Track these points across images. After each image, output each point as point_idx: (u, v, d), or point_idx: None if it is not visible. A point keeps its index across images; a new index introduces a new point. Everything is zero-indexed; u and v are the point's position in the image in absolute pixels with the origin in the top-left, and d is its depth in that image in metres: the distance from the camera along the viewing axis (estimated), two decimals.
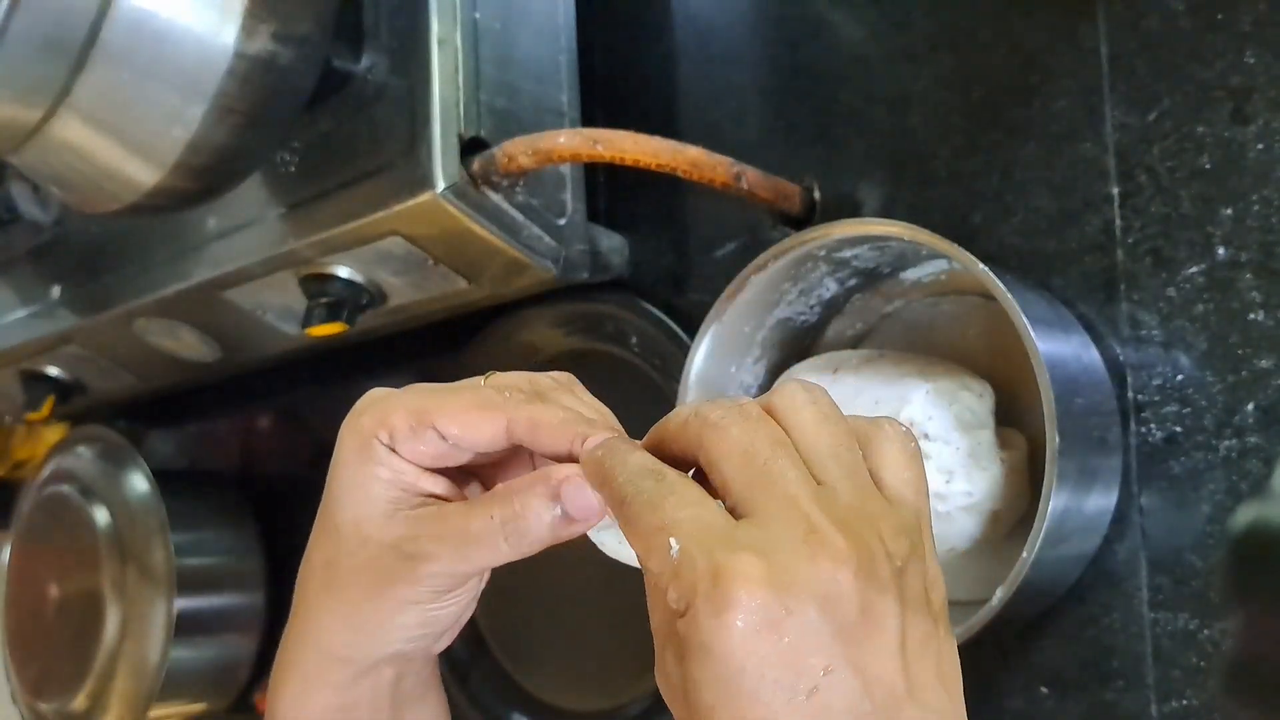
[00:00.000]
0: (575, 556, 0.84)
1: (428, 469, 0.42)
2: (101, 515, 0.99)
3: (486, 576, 0.46)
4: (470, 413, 0.41)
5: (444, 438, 0.41)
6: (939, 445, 0.56)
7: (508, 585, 0.84)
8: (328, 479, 0.43)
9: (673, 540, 0.34)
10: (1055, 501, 0.51)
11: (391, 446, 0.42)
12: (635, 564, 0.41)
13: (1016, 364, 0.57)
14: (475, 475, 0.46)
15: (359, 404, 0.43)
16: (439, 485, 0.43)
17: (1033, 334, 0.51)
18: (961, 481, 0.56)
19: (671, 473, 0.37)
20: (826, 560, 0.33)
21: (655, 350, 0.75)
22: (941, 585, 0.37)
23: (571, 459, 0.41)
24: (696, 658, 0.33)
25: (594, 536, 0.43)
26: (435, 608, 0.42)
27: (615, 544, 0.43)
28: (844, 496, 0.35)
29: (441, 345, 0.87)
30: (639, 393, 0.76)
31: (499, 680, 0.83)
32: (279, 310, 0.81)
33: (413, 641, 0.43)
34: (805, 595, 0.32)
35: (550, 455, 0.42)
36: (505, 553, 0.41)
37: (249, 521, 1.02)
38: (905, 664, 0.34)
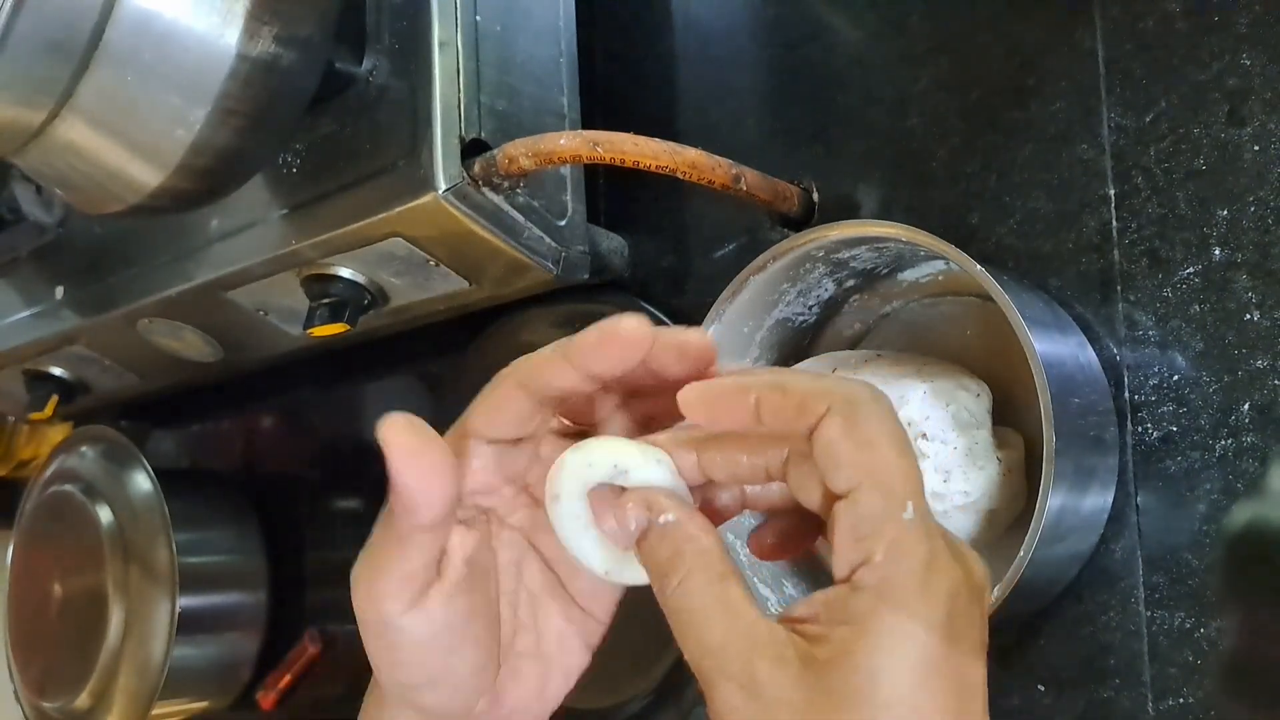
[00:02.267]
0: None
1: None
2: (104, 514, 0.99)
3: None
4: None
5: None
6: (936, 445, 0.56)
7: None
8: None
9: None
10: (1052, 501, 0.51)
11: None
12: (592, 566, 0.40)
13: (1013, 364, 0.57)
14: None
15: None
16: None
17: (1029, 334, 0.51)
18: (958, 481, 0.56)
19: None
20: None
21: None
22: None
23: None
24: None
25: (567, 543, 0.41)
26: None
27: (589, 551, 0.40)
28: None
29: (443, 345, 0.87)
30: None
31: None
32: (281, 311, 0.81)
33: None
34: None
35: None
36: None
37: (251, 521, 1.02)
38: None
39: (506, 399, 0.40)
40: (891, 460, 0.34)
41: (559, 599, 0.43)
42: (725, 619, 0.35)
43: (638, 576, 0.39)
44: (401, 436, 0.37)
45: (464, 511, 0.42)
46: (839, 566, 0.34)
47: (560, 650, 0.43)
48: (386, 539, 0.39)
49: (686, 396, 0.38)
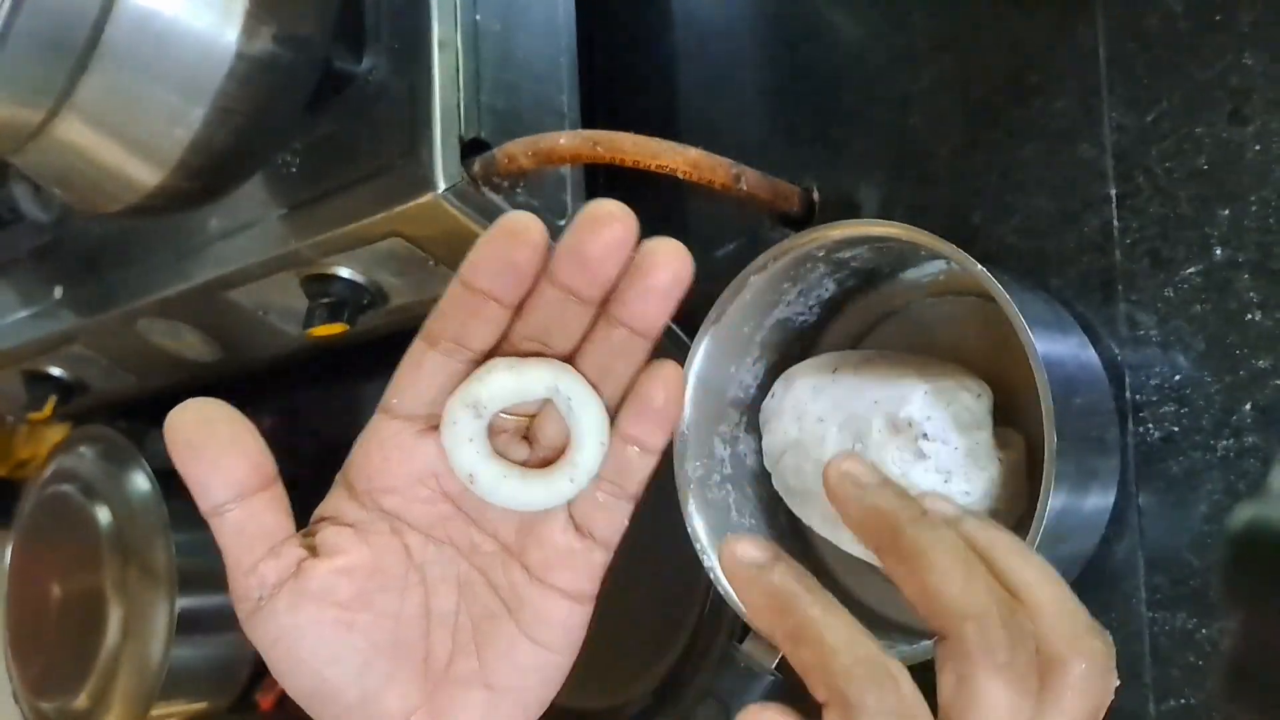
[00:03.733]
0: None
1: None
2: (103, 515, 0.99)
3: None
4: None
5: None
6: (937, 445, 0.56)
7: None
8: None
9: None
10: (1053, 501, 0.51)
11: None
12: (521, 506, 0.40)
13: (1014, 364, 0.57)
14: None
15: None
16: None
17: (1031, 334, 0.51)
18: (959, 482, 0.56)
19: (905, 682, 0.35)
20: None
21: (655, 350, 0.75)
22: None
23: None
24: None
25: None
26: None
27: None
28: None
29: None
30: None
31: None
32: (280, 311, 0.81)
33: None
34: None
35: None
36: None
37: None
38: None
39: (413, 361, 0.39)
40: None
41: (506, 629, 0.41)
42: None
43: (534, 501, 0.39)
44: (176, 431, 0.39)
45: (359, 513, 0.40)
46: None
47: (513, 683, 0.41)
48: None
49: None
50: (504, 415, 0.40)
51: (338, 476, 0.41)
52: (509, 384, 0.39)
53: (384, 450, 0.40)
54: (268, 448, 0.39)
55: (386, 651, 0.40)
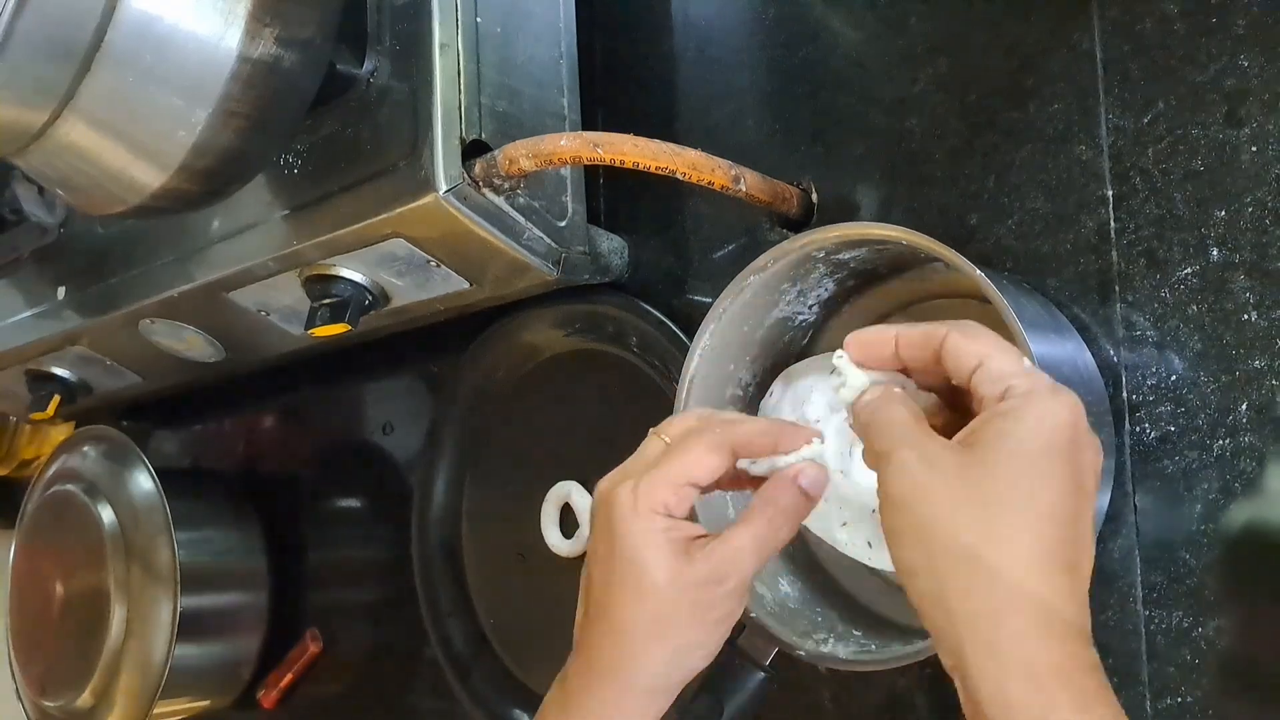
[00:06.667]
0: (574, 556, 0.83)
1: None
2: (106, 514, 0.99)
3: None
4: (706, 457, 0.49)
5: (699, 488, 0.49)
6: None
7: (509, 583, 0.84)
8: (607, 548, 0.49)
9: None
10: None
11: (669, 514, 0.49)
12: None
13: None
14: None
15: (611, 489, 0.49)
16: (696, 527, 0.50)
17: (1026, 338, 0.51)
18: None
19: None
20: None
21: (655, 350, 0.75)
22: None
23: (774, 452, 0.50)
24: None
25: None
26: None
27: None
28: None
29: (443, 345, 0.87)
30: (639, 393, 0.77)
31: (501, 677, 0.83)
32: (283, 311, 0.81)
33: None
34: None
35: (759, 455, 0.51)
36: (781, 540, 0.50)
37: (252, 520, 1.02)
38: None
39: (720, 460, 0.49)
40: (1000, 342, 0.46)
41: None
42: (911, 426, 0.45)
43: None
44: None
45: None
46: (985, 406, 0.44)
47: None
48: None
49: (848, 341, 0.49)
50: None
51: None
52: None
53: None
54: None
55: None
